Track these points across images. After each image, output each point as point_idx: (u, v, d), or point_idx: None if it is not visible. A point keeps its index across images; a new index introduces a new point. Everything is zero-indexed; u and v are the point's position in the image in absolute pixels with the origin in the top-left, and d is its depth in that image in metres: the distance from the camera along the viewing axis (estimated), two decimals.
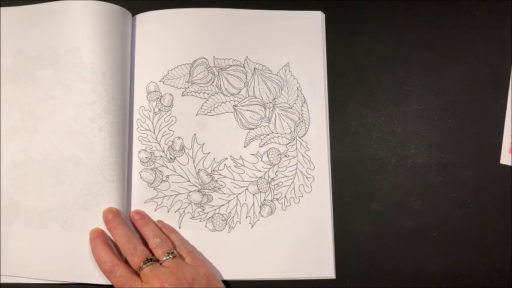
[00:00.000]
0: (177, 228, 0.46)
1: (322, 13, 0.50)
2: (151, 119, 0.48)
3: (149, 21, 0.49)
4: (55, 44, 0.47)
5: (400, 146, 0.48)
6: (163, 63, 0.48)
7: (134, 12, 0.49)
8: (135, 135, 0.48)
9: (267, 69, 0.49)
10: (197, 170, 0.47)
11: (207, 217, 0.47)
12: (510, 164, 0.47)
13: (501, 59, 0.49)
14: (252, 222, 0.47)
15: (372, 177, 0.48)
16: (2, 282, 0.45)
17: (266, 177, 0.47)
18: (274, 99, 0.48)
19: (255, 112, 0.48)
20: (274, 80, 0.49)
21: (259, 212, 0.47)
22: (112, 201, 0.45)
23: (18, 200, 0.46)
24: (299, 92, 0.49)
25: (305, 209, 0.47)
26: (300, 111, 0.48)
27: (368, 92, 0.49)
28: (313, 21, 0.49)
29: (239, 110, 0.48)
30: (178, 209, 0.47)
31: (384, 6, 0.51)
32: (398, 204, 0.48)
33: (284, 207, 0.47)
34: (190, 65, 0.48)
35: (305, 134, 0.48)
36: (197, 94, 0.48)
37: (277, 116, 0.48)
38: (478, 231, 0.47)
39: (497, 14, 0.49)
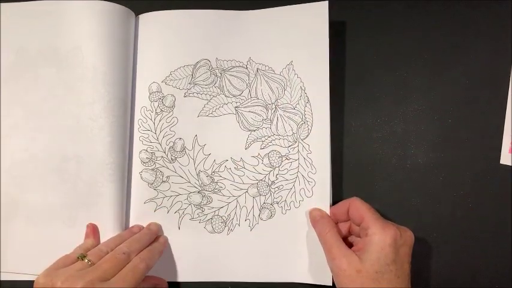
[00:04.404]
0: (176, 229, 0.47)
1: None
2: (152, 120, 0.48)
3: (152, 21, 0.49)
4: (57, 42, 0.47)
5: (400, 146, 0.48)
6: (166, 64, 0.48)
7: (137, 12, 0.49)
8: (136, 135, 0.48)
9: (270, 69, 0.48)
10: (197, 171, 0.47)
11: (206, 218, 0.47)
12: (510, 164, 0.47)
13: (501, 59, 0.49)
14: (251, 225, 0.46)
15: (372, 177, 0.48)
16: (2, 279, 0.46)
17: (266, 180, 0.47)
18: (276, 99, 0.48)
19: (256, 114, 0.48)
20: (277, 80, 0.48)
21: (259, 216, 0.46)
22: (111, 201, 0.45)
23: (20, 198, 0.46)
24: (302, 91, 0.47)
25: (305, 213, 0.46)
26: (303, 112, 0.47)
27: (368, 92, 0.49)
28: (319, 13, 0.47)
29: (241, 112, 0.48)
30: (178, 209, 0.47)
31: (384, 6, 0.51)
32: (398, 204, 0.48)
33: (284, 211, 0.46)
34: (193, 66, 0.48)
35: (307, 136, 0.47)
36: (199, 95, 0.48)
37: (279, 118, 0.47)
38: (478, 231, 0.47)
39: (497, 14, 0.49)
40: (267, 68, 0.48)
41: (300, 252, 0.46)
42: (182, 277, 0.46)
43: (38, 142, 0.47)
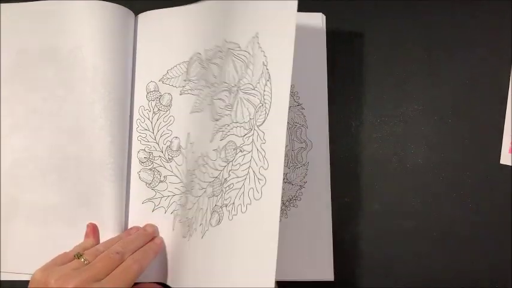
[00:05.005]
0: (170, 230, 0.45)
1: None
2: (150, 119, 0.47)
3: (149, 20, 0.49)
4: (58, 43, 0.47)
5: (400, 146, 0.48)
6: (163, 62, 0.48)
7: (137, 12, 0.49)
8: (135, 135, 0.47)
9: (237, 45, 0.41)
10: (187, 170, 0.45)
11: (185, 221, 0.43)
12: (510, 164, 0.47)
13: (501, 59, 0.49)
14: (203, 231, 0.39)
15: (372, 177, 0.48)
16: (2, 279, 0.45)
17: (220, 178, 0.39)
18: (239, 80, 0.39)
19: (222, 100, 0.41)
20: (242, 57, 0.40)
21: (209, 220, 0.39)
22: (111, 201, 0.45)
23: (20, 197, 0.46)
24: (264, 67, 0.38)
25: (251, 221, 0.35)
26: (262, 92, 0.37)
27: (368, 92, 0.49)
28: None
29: (213, 101, 0.42)
30: (174, 210, 0.46)
31: (384, 6, 0.50)
32: (398, 204, 0.48)
33: (230, 217, 0.37)
34: (187, 62, 0.47)
35: (264, 121, 0.36)
36: (192, 92, 0.46)
37: (239, 102, 0.39)
38: (478, 231, 0.47)
39: (497, 14, 0.49)
40: (234, 45, 0.41)
41: (237, 273, 0.35)
42: (173, 281, 0.43)
43: (38, 142, 0.46)
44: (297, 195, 0.47)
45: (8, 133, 0.47)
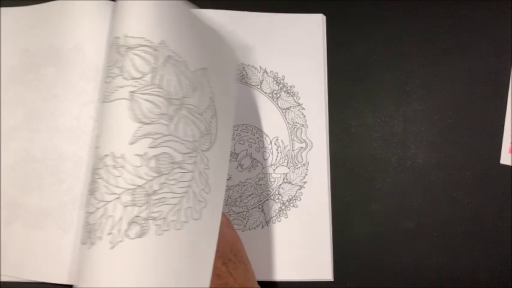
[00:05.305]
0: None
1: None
2: None
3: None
4: (59, 42, 0.47)
5: (400, 146, 0.48)
6: None
7: None
8: None
9: (183, 63, 0.39)
10: (87, 167, 0.41)
11: (84, 225, 0.37)
12: (510, 164, 0.47)
13: (501, 59, 0.49)
14: (113, 241, 0.34)
15: (372, 177, 0.48)
16: (2, 280, 0.45)
17: (147, 188, 0.35)
18: (184, 97, 0.38)
19: (155, 104, 0.37)
20: (189, 77, 0.38)
21: (126, 231, 0.34)
22: None
23: (19, 200, 0.46)
24: (212, 102, 0.39)
25: (186, 239, 0.35)
26: (208, 122, 0.39)
27: (368, 92, 0.49)
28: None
29: (136, 98, 0.38)
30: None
31: (384, 6, 0.51)
32: (398, 204, 0.48)
33: (160, 232, 0.34)
34: (109, 47, 0.40)
35: (209, 149, 0.38)
36: (105, 79, 0.39)
37: (182, 118, 0.38)
38: (478, 231, 0.47)
39: (497, 14, 0.49)
40: (180, 59, 0.39)
41: None
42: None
43: (38, 142, 0.46)
44: (297, 195, 0.47)
45: (8, 134, 0.47)
